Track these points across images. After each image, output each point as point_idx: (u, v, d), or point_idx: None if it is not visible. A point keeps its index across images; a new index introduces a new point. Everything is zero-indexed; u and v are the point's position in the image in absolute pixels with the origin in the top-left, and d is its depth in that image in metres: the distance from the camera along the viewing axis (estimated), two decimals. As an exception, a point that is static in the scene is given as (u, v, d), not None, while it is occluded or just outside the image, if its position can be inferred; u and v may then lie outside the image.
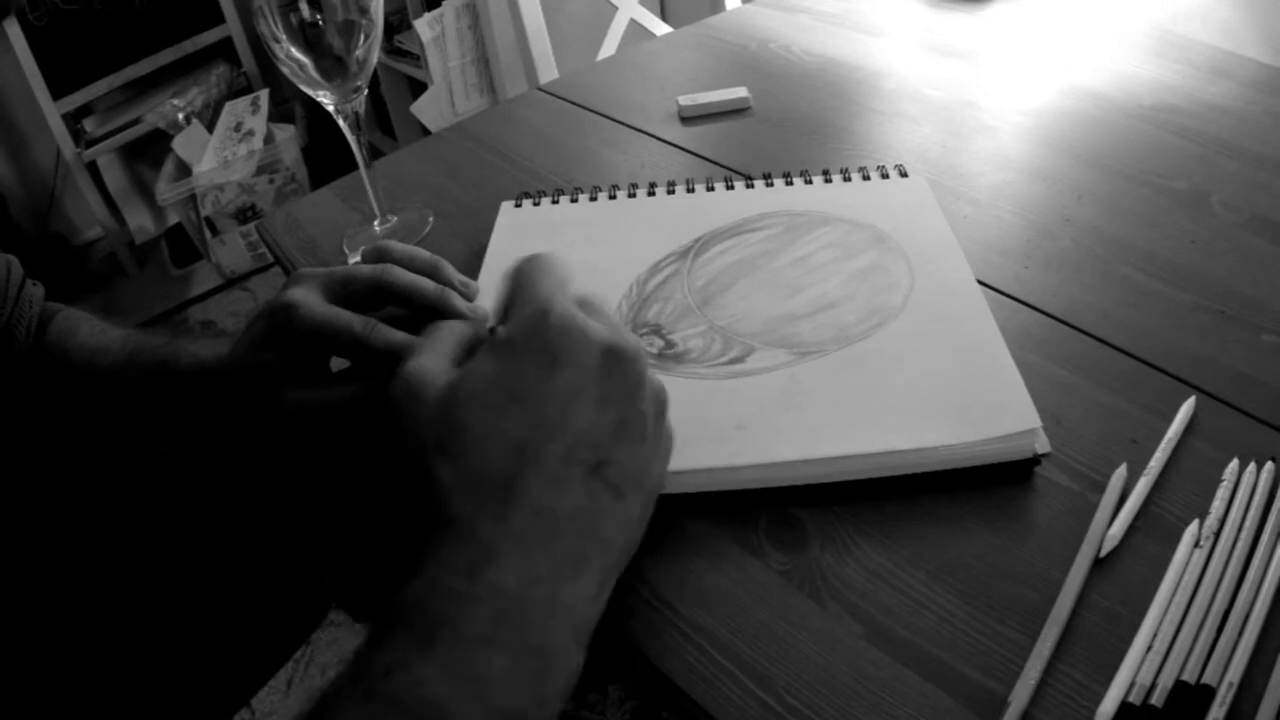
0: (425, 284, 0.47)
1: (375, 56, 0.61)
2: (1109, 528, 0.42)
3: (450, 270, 0.50)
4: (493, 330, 0.40)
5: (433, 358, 0.39)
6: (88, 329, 0.59)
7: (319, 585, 0.66)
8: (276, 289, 0.48)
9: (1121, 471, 0.44)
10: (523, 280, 0.39)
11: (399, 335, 0.46)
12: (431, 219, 0.70)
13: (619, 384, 0.37)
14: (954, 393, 0.48)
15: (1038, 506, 0.44)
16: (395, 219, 0.70)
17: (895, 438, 0.45)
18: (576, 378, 0.36)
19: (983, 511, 0.44)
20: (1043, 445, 0.45)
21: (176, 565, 0.59)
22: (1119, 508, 0.43)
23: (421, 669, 0.31)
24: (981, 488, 0.45)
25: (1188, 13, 0.99)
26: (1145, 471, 0.44)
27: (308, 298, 0.47)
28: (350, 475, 0.62)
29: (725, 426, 0.47)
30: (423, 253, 0.50)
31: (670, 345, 0.53)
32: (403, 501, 0.43)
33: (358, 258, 0.67)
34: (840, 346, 0.51)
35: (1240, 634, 0.37)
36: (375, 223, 0.70)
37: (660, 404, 0.39)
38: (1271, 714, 0.35)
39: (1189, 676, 0.36)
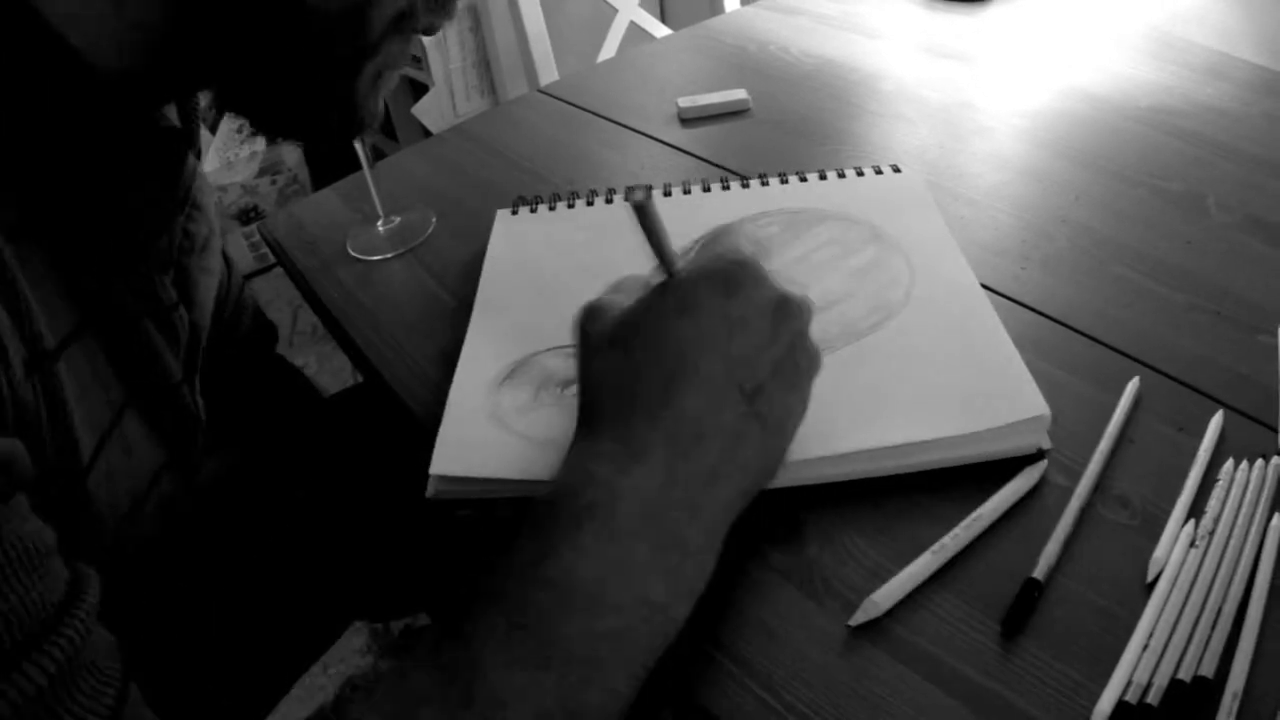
0: None
1: None
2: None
3: None
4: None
5: (619, 296, 0.42)
6: None
7: (341, 594, 0.67)
8: (278, 290, 0.50)
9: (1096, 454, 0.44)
10: (718, 230, 0.44)
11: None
12: (434, 220, 0.70)
13: (784, 329, 0.39)
14: (963, 384, 0.48)
15: (1033, 504, 0.44)
16: (398, 219, 0.70)
17: (910, 430, 0.45)
18: (747, 310, 0.38)
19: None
20: (1044, 441, 0.46)
21: (210, 574, 0.59)
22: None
23: (571, 554, 0.33)
24: (980, 486, 0.45)
25: (1184, 15, 0.99)
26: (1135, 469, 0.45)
27: None
28: (376, 482, 0.62)
29: None
30: None
31: None
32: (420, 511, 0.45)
33: (360, 256, 0.68)
34: (847, 343, 0.51)
35: (1238, 635, 0.37)
36: (378, 223, 0.70)
37: (813, 365, 0.42)
38: None
39: (1185, 675, 0.36)
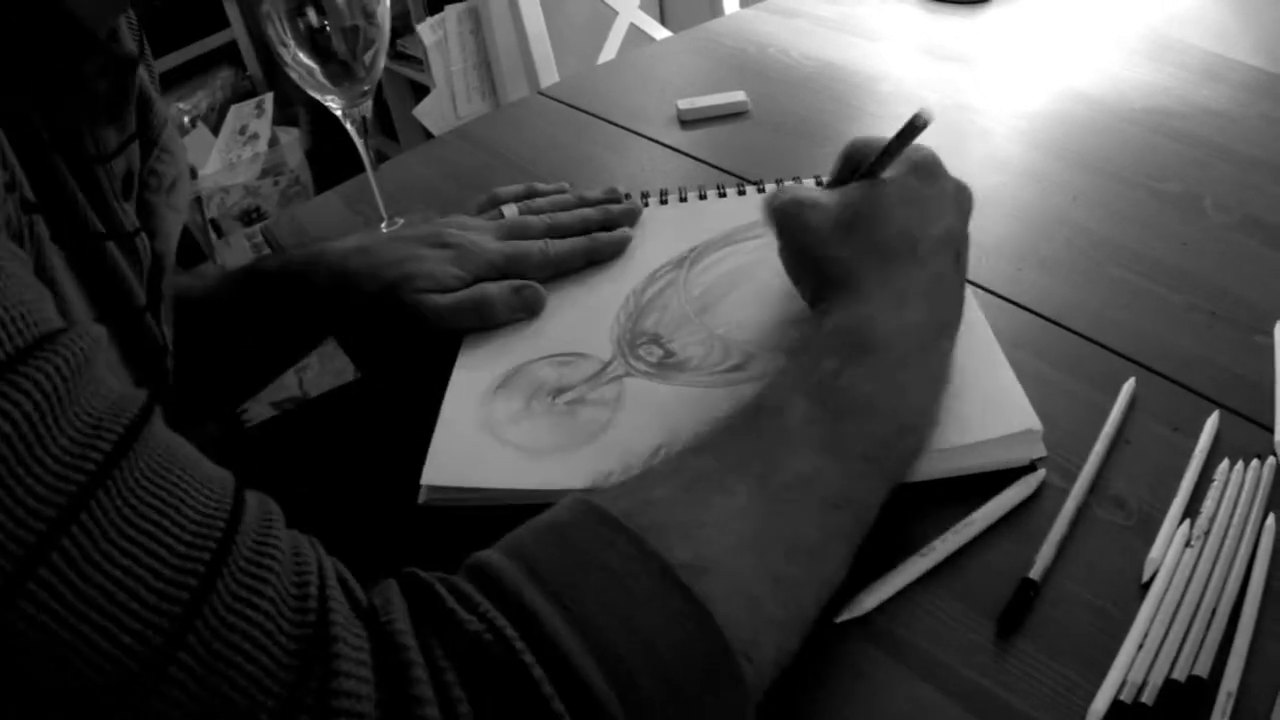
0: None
1: (382, 62, 0.61)
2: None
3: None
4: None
5: (813, 194, 0.49)
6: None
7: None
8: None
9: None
10: (902, 141, 0.48)
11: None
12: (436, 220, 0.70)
13: (964, 207, 0.49)
14: (952, 396, 0.47)
15: (1032, 507, 0.44)
16: (401, 221, 0.70)
17: None
18: (946, 192, 0.48)
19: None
20: (1038, 452, 0.46)
21: None
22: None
23: (855, 372, 0.40)
24: (977, 489, 0.45)
25: (1181, 17, 0.99)
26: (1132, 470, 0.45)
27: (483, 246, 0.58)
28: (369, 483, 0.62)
29: None
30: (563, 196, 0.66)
31: (670, 354, 0.53)
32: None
33: None
34: None
35: (1232, 635, 0.37)
36: (381, 225, 0.70)
37: (966, 244, 0.49)
38: None
39: (1179, 674, 0.36)
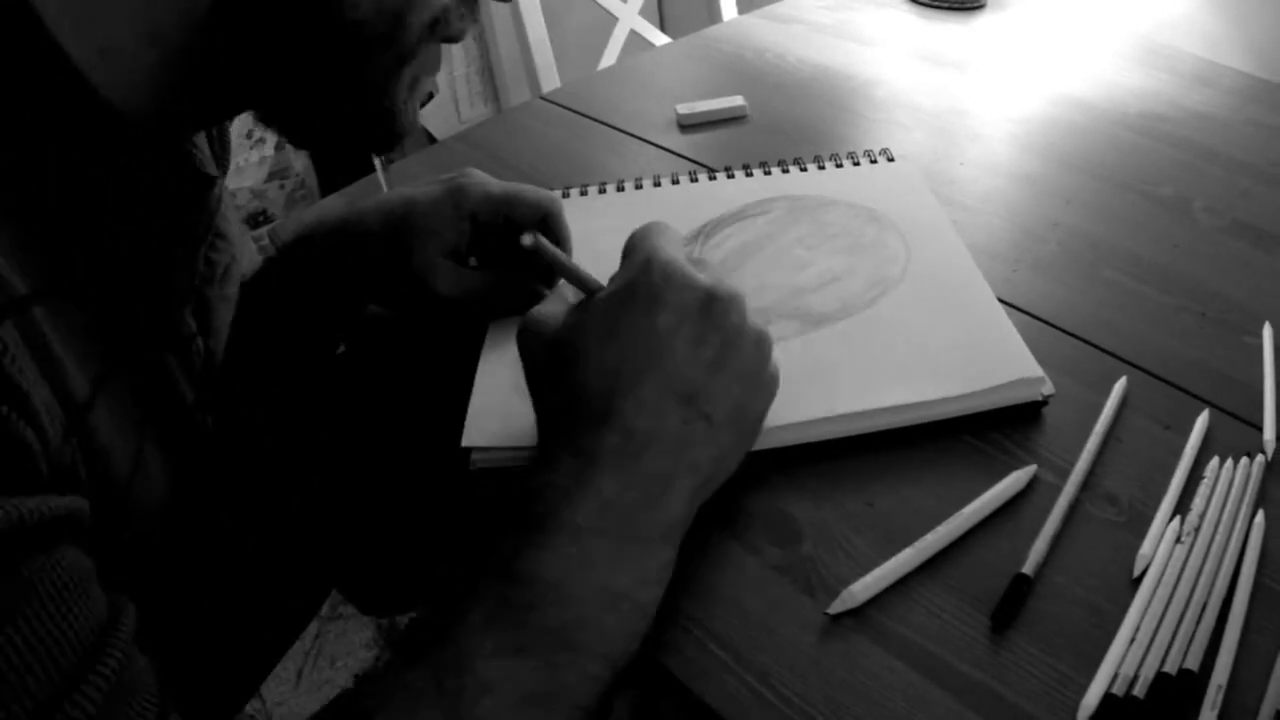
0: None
1: None
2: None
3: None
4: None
5: (553, 305, 0.44)
6: None
7: (320, 569, 0.66)
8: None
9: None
10: (634, 237, 0.43)
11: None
12: None
13: (718, 325, 0.40)
14: (957, 349, 0.50)
15: (1024, 502, 0.44)
16: None
17: (908, 392, 0.48)
18: (675, 318, 0.39)
19: (971, 508, 0.44)
20: (1048, 388, 0.48)
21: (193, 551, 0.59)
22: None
23: (537, 553, 0.36)
24: (975, 486, 0.45)
25: (1172, 23, 1.00)
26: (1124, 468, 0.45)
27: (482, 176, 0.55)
28: (363, 467, 0.62)
29: None
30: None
31: None
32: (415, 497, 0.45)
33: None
34: (848, 315, 0.53)
35: (1222, 629, 0.38)
36: None
37: (765, 346, 0.43)
38: (1270, 716, 0.35)
39: (1170, 668, 0.36)
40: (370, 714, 0.33)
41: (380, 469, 0.64)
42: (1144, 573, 0.40)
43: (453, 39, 0.41)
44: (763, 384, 0.43)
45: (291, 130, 0.41)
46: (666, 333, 0.39)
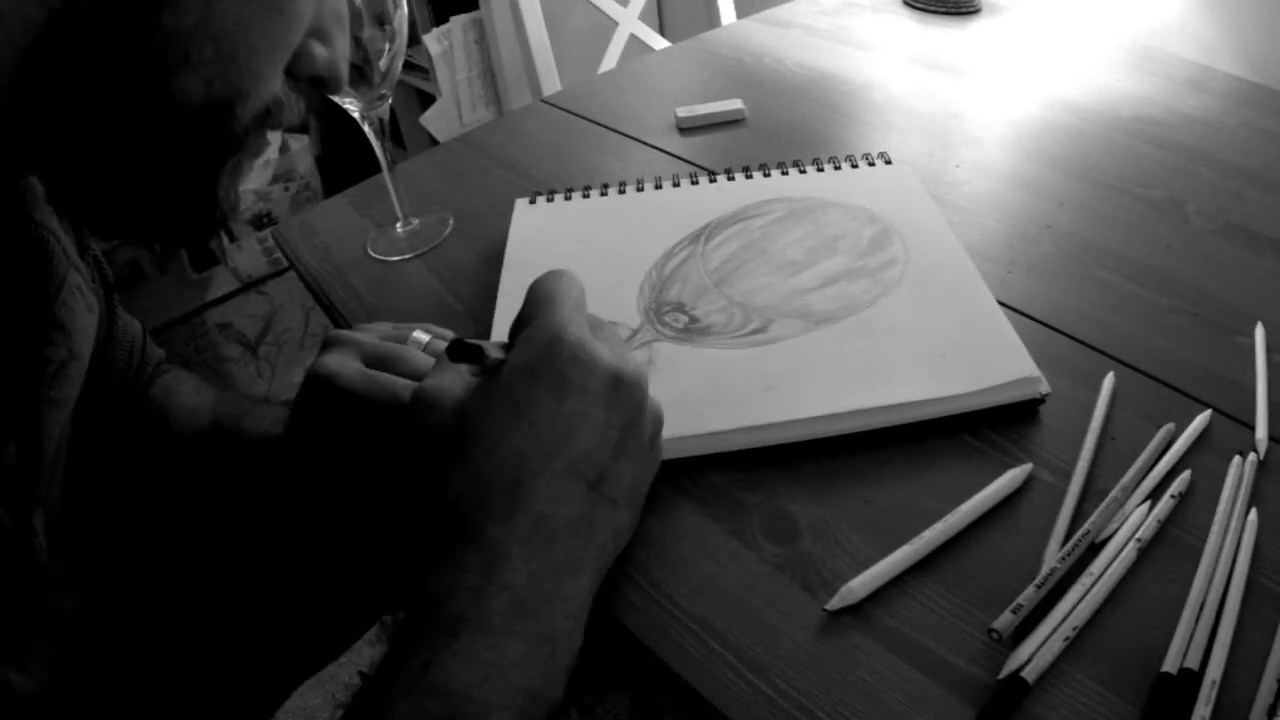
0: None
1: (399, 66, 0.61)
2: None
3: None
4: (507, 348, 0.41)
5: (448, 376, 0.40)
6: (189, 389, 0.59)
7: (367, 592, 0.66)
8: (291, 293, 0.48)
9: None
10: (539, 301, 0.40)
11: None
12: (451, 222, 0.70)
13: (622, 407, 0.39)
14: (956, 349, 0.50)
15: (1022, 501, 0.44)
16: (416, 222, 0.70)
17: (907, 391, 0.48)
18: (583, 402, 0.38)
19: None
20: (1044, 387, 0.48)
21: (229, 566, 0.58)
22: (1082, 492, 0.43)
23: (452, 662, 0.33)
24: (972, 485, 0.45)
25: (1166, 28, 1.00)
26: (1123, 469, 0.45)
27: (344, 364, 0.47)
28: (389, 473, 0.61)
29: (754, 390, 0.49)
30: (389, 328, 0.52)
31: (694, 320, 0.55)
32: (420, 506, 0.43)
33: (380, 257, 0.68)
34: (849, 314, 0.53)
35: (1217, 626, 0.37)
36: (398, 225, 0.70)
37: (657, 424, 0.42)
38: (1262, 712, 0.35)
39: (1170, 667, 0.36)
40: None
41: (389, 464, 0.63)
42: (1108, 539, 0.41)
43: (279, 129, 0.38)
44: (655, 460, 0.42)
45: (91, 213, 0.36)
46: (574, 416, 0.38)
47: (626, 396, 0.39)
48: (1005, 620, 0.38)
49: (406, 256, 0.67)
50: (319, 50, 0.36)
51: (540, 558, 0.36)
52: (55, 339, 0.41)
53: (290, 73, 0.35)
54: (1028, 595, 0.38)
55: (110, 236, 0.39)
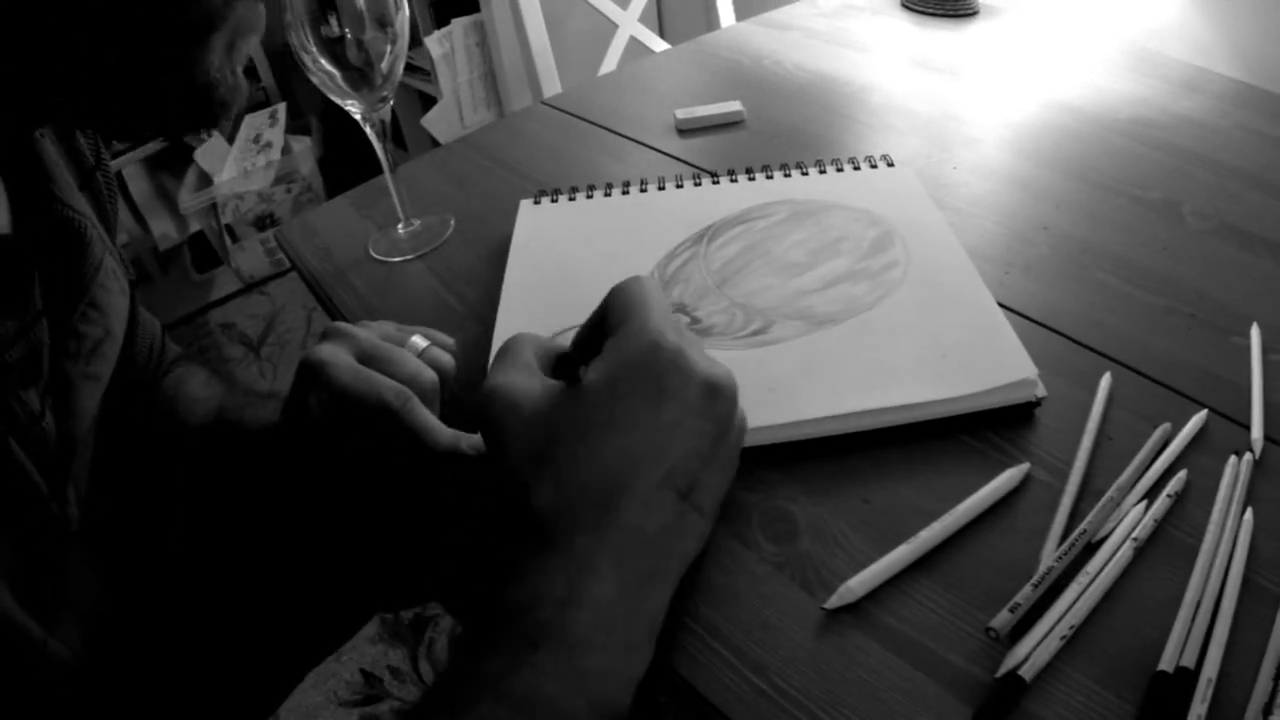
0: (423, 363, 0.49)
1: (400, 68, 0.61)
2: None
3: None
4: (579, 349, 0.40)
5: (521, 375, 0.39)
6: (199, 381, 0.59)
7: (362, 588, 0.66)
8: (293, 294, 0.48)
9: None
10: (627, 306, 0.39)
11: (430, 418, 0.45)
12: (453, 223, 0.70)
13: (716, 417, 0.38)
14: (956, 351, 0.50)
15: (1018, 501, 0.44)
16: (418, 223, 0.70)
17: (907, 392, 0.48)
18: (680, 413, 0.37)
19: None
20: (1042, 390, 0.48)
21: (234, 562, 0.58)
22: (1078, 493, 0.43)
23: (530, 672, 0.33)
24: (969, 484, 0.45)
25: (1162, 30, 1.00)
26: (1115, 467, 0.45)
27: (338, 356, 0.46)
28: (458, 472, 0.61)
29: (756, 390, 0.48)
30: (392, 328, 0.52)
31: (696, 321, 0.55)
32: (495, 512, 0.43)
33: (382, 257, 0.68)
34: (851, 316, 0.53)
35: (1212, 626, 0.37)
36: (399, 226, 0.70)
37: (743, 432, 0.41)
38: (1258, 711, 0.35)
39: (1166, 665, 0.36)
40: None
41: (389, 463, 0.63)
42: (1105, 539, 0.41)
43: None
44: (735, 469, 0.41)
45: (99, 121, 0.37)
46: (671, 427, 0.36)
47: (721, 406, 0.38)
48: (1003, 619, 0.38)
49: (408, 257, 0.68)
50: None
51: (628, 570, 0.35)
52: (92, 317, 0.42)
53: None
54: (1025, 594, 0.38)
55: (125, 136, 0.39)
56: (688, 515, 0.37)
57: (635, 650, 0.35)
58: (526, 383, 0.39)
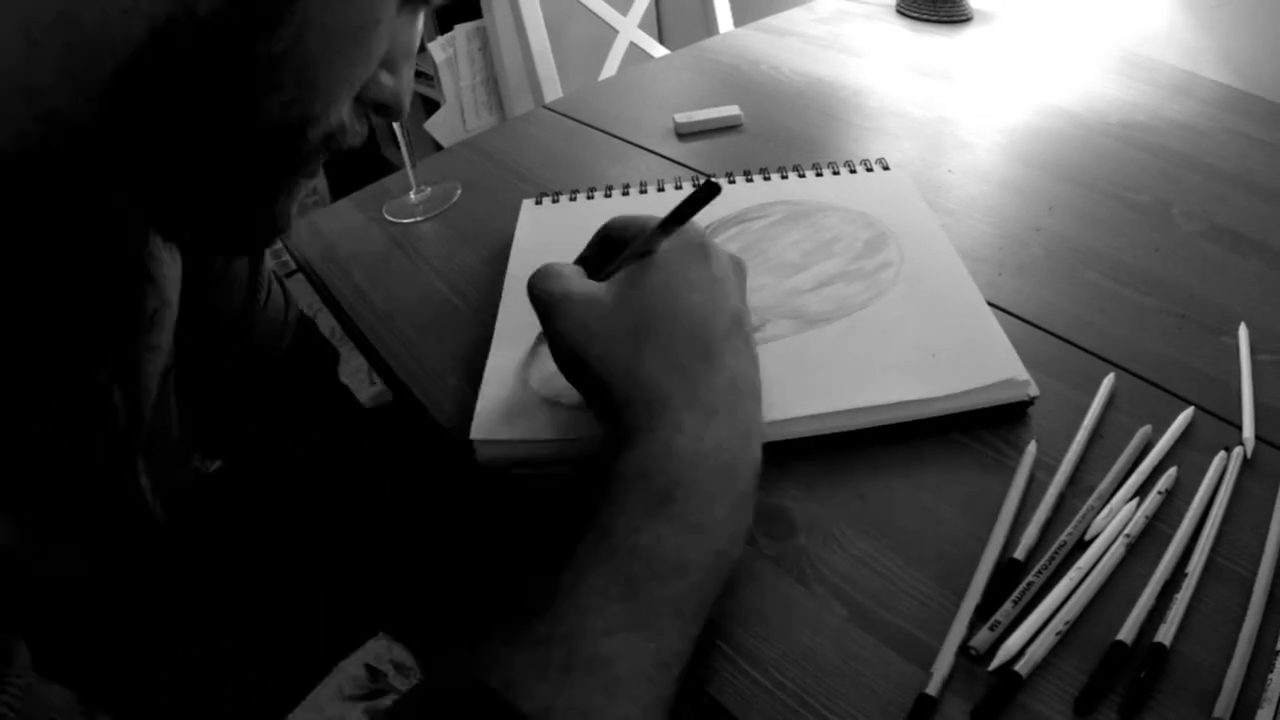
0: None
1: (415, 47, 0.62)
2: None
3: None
4: (583, 262, 0.47)
5: (572, 281, 0.42)
6: None
7: (369, 601, 0.66)
8: (298, 293, 0.48)
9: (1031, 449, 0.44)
10: (637, 219, 0.46)
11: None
12: (459, 189, 0.74)
13: (739, 274, 0.45)
14: (947, 351, 0.50)
15: (1008, 494, 0.44)
16: (429, 189, 0.75)
17: (900, 390, 0.48)
18: (721, 268, 0.43)
19: (958, 502, 0.44)
20: (1033, 390, 0.48)
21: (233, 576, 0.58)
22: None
23: (660, 526, 0.34)
24: (958, 479, 0.45)
25: (1153, 36, 1.00)
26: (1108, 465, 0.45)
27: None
28: (408, 492, 0.61)
29: None
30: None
31: None
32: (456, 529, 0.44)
33: (394, 219, 0.73)
34: (843, 315, 0.53)
35: (1170, 602, 0.38)
36: (411, 192, 0.74)
37: (744, 269, 0.46)
38: (1232, 692, 0.35)
39: (1125, 637, 0.36)
40: (509, 684, 0.31)
41: (404, 484, 0.63)
42: (1096, 536, 0.41)
43: (341, 150, 0.39)
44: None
45: (162, 222, 0.37)
46: (721, 279, 0.42)
47: (741, 266, 0.45)
48: (983, 638, 0.37)
49: (418, 219, 0.72)
50: (387, 80, 0.36)
51: (740, 412, 0.38)
52: (147, 291, 0.44)
53: (357, 99, 0.35)
54: (1005, 611, 0.38)
55: (179, 241, 0.42)
56: (749, 348, 0.41)
57: (748, 499, 0.37)
58: (584, 284, 0.42)
